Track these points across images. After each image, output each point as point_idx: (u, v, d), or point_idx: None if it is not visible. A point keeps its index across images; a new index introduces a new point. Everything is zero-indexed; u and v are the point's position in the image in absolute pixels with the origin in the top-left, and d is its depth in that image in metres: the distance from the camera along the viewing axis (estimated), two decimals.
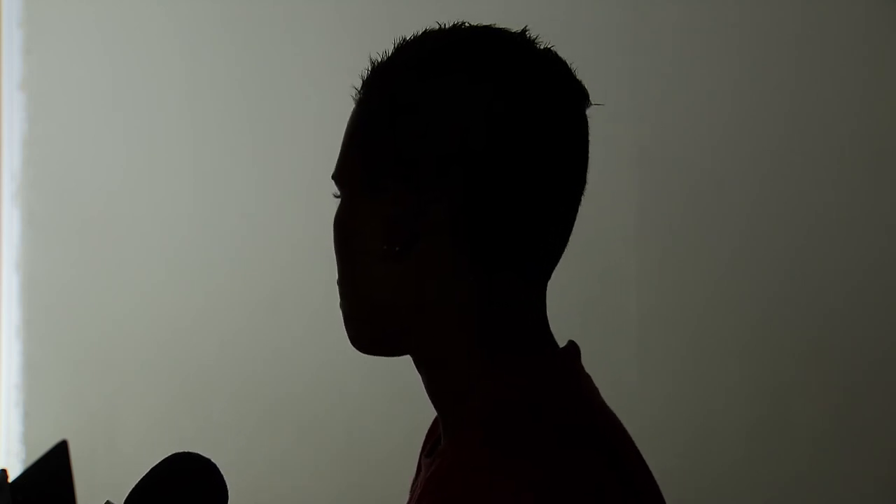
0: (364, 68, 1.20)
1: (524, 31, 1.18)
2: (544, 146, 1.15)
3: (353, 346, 1.21)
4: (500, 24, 1.20)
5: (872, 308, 2.75)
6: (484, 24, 1.20)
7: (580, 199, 1.18)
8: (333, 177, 1.21)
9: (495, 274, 1.15)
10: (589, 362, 1.22)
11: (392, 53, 1.19)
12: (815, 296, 2.77)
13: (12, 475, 1.48)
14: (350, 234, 1.17)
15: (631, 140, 2.76)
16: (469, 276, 1.15)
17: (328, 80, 2.99)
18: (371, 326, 1.19)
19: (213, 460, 1.15)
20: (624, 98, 2.74)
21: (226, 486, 1.14)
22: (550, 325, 1.19)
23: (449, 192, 1.13)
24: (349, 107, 1.23)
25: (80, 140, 3.12)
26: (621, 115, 2.73)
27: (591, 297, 2.80)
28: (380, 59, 1.19)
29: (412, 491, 1.25)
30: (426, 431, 1.33)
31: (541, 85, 1.15)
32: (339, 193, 1.21)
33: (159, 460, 1.14)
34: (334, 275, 1.22)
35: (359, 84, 1.20)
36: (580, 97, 1.17)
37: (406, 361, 1.29)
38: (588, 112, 1.17)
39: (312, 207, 2.99)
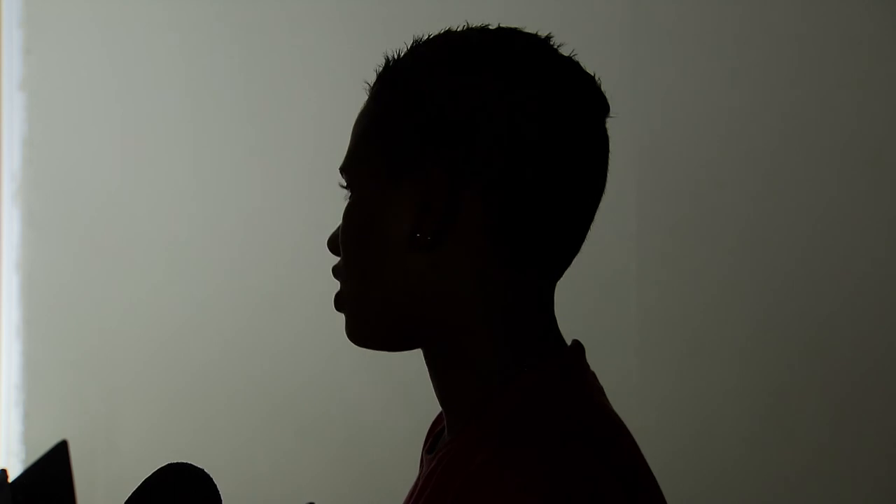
0: (378, 64, 1.20)
1: (549, 37, 1.19)
2: (579, 146, 1.16)
3: (355, 341, 1.20)
4: (502, 25, 1.20)
5: (873, 308, 2.75)
6: (495, 25, 1.20)
7: (599, 203, 1.20)
8: (343, 168, 1.21)
9: (521, 271, 1.16)
10: (589, 362, 1.22)
11: (416, 47, 1.19)
12: (815, 296, 2.77)
13: (12, 475, 1.49)
14: (370, 225, 1.17)
15: (631, 140, 2.76)
16: (496, 271, 1.15)
17: (329, 80, 3.00)
18: (383, 320, 1.18)
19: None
20: (624, 98, 2.74)
21: (219, 496, 1.13)
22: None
23: (485, 185, 1.13)
24: (350, 107, 1.23)
25: (80, 140, 3.12)
26: (621, 115, 2.73)
27: (592, 297, 2.80)
28: (398, 55, 1.20)
29: (414, 487, 1.25)
30: (427, 430, 1.33)
31: (577, 89, 1.17)
32: (345, 184, 1.21)
33: (156, 467, 1.14)
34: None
35: (368, 78, 1.21)
36: (606, 106, 1.19)
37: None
38: None
39: (312, 207, 2.99)
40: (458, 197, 1.13)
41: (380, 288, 1.17)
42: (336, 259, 1.22)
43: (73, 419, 3.08)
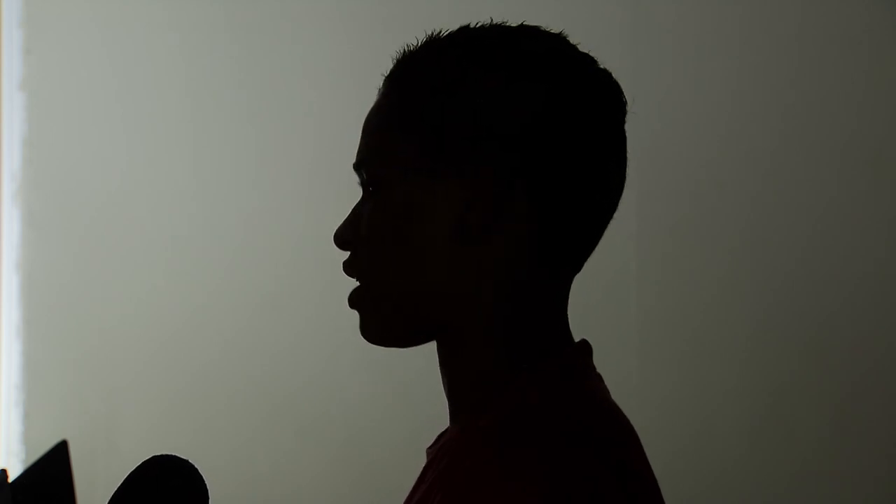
0: (393, 56, 1.19)
1: (566, 36, 1.19)
2: (607, 144, 1.17)
3: (375, 339, 1.18)
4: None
5: (873, 308, 2.75)
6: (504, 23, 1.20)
7: (619, 200, 1.21)
8: (364, 163, 1.18)
9: (549, 268, 1.16)
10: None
11: (435, 42, 1.18)
12: (815, 296, 2.77)
13: (12, 475, 1.48)
14: (409, 220, 1.14)
15: (631, 140, 2.75)
16: (529, 269, 1.15)
17: (329, 80, 2.99)
18: (411, 317, 1.16)
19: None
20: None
21: (205, 487, 1.13)
22: None
23: (530, 183, 1.13)
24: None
25: (80, 140, 3.12)
26: None
27: (592, 297, 2.80)
28: (415, 48, 1.18)
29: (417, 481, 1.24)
30: (427, 430, 1.33)
31: (606, 87, 1.18)
32: (365, 179, 1.17)
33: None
34: (335, 274, 1.21)
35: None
36: (623, 103, 1.20)
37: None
38: None
39: (312, 207, 2.99)
40: (506, 195, 1.13)
41: (417, 283, 1.15)
42: (343, 255, 1.20)
43: (73, 419, 3.08)
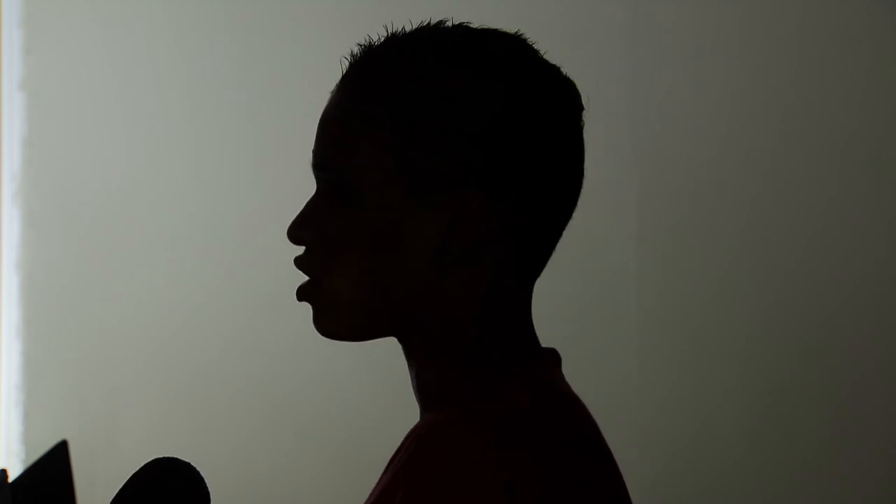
0: (349, 56, 1.17)
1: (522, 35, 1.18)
2: (573, 148, 1.15)
3: (329, 333, 1.16)
4: (500, 24, 1.20)
5: (873, 308, 2.75)
6: (484, 24, 1.19)
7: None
8: (325, 165, 1.16)
9: (525, 277, 1.15)
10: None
11: (399, 42, 1.17)
12: (815, 296, 2.77)
13: (12, 475, 1.48)
14: (386, 233, 1.12)
15: (631, 140, 2.75)
16: (509, 280, 1.13)
17: (329, 80, 2.99)
18: (371, 318, 1.15)
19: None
20: (624, 98, 2.74)
21: (207, 489, 1.12)
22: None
23: (515, 200, 1.11)
24: None
25: (80, 140, 3.12)
26: (621, 115, 2.73)
27: (591, 297, 2.80)
28: (378, 46, 1.17)
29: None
30: None
31: (565, 89, 1.16)
32: (325, 181, 1.16)
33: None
34: None
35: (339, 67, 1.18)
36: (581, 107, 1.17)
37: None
38: (587, 112, 1.18)
39: None
40: (491, 216, 1.10)
41: (394, 287, 1.13)
42: (297, 249, 1.17)
43: (73, 419, 3.08)
